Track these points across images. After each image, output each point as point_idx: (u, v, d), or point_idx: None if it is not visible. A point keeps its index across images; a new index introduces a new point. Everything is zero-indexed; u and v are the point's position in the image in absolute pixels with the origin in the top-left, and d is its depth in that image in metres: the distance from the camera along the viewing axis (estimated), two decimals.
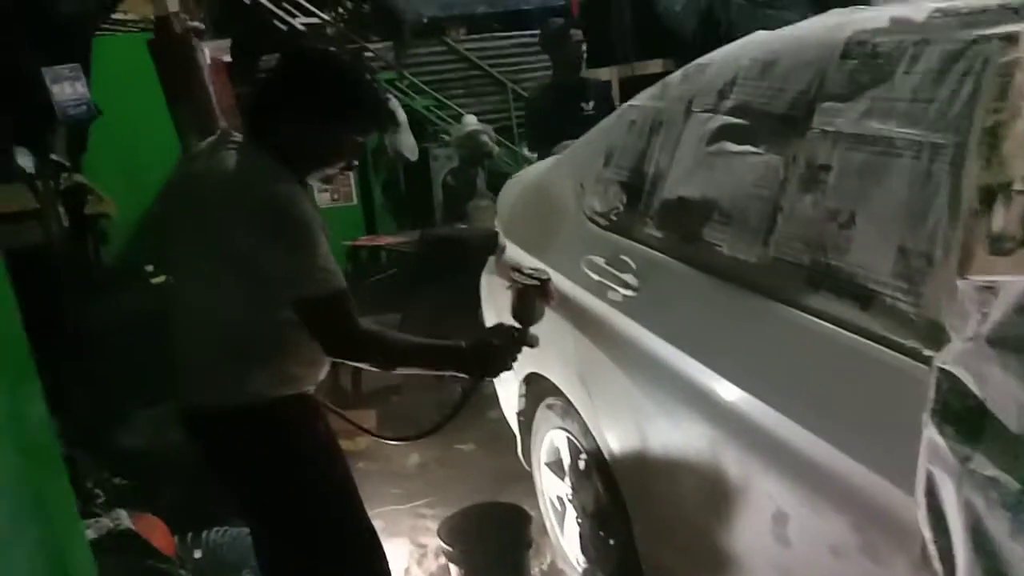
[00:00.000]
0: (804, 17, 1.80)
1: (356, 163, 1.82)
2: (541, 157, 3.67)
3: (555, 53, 4.24)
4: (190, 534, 2.71)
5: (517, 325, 1.86)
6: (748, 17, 5.82)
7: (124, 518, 2.53)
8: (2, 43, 3.27)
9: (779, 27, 1.82)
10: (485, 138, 5.01)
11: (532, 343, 1.86)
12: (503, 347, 1.82)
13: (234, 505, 2.07)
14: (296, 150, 1.70)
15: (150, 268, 3.78)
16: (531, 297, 1.87)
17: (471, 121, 5.23)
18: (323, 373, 1.84)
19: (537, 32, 5.43)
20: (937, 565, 1.10)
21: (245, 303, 1.67)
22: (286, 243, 1.61)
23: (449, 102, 6.71)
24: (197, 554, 2.68)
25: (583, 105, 3.95)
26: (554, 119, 3.79)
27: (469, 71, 7.07)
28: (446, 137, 5.30)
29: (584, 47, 4.14)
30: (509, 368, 1.85)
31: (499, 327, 1.88)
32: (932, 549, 1.10)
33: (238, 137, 1.72)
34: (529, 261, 2.41)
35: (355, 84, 1.75)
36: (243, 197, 1.62)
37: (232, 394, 1.71)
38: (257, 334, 1.70)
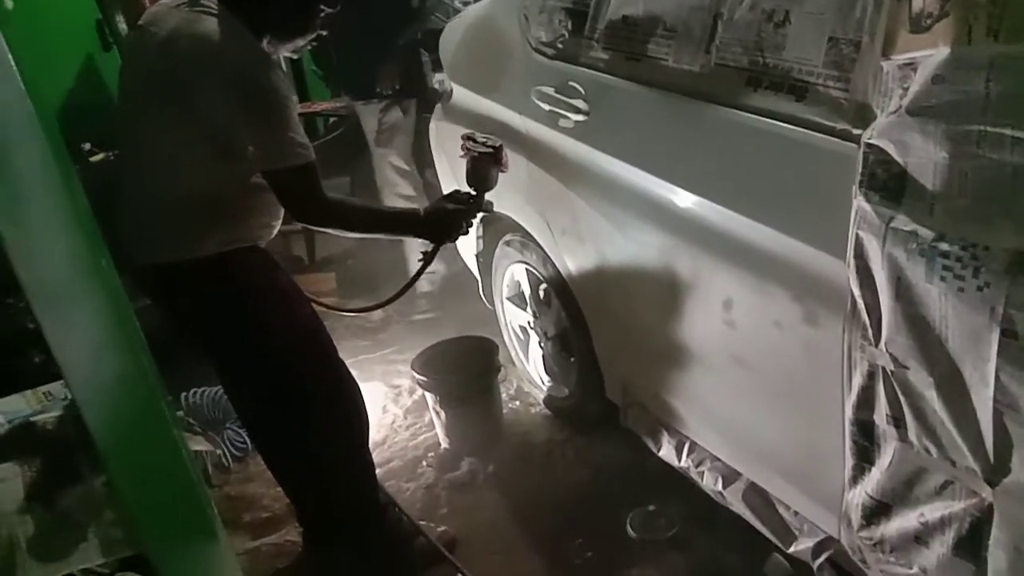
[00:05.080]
0: None
1: (325, 33, 1.81)
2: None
3: None
4: (169, 397, 2.80)
5: (472, 192, 1.94)
6: None
7: None
8: None
9: None
10: None
11: (487, 208, 1.95)
12: (458, 213, 1.90)
13: (206, 360, 2.13)
14: (268, 19, 1.71)
15: (87, 147, 3.67)
16: (485, 165, 1.93)
17: None
18: (275, 231, 1.90)
19: None
20: (865, 317, 1.27)
21: (212, 168, 1.70)
22: (260, 115, 1.64)
23: None
24: (179, 415, 2.79)
25: None
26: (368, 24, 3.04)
27: None
28: None
29: None
30: (465, 233, 1.93)
31: (455, 193, 1.95)
32: (861, 304, 1.27)
33: (211, 1, 1.68)
34: (477, 102, 2.46)
35: None
36: (218, 65, 1.62)
37: (190, 251, 1.75)
38: (222, 197, 1.74)
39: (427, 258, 1.98)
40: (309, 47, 1.84)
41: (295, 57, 1.87)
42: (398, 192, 3.35)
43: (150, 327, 1.89)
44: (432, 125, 2.80)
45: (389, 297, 2.13)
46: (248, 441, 2.65)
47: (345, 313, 2.53)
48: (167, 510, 1.13)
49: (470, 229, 1.94)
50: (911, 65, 1.18)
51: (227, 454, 2.64)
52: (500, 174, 1.96)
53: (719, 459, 1.90)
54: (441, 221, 1.90)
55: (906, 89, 1.18)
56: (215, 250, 1.76)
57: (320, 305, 2.29)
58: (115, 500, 1.60)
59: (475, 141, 1.96)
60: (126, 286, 2.03)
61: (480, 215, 1.98)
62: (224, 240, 1.77)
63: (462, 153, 1.97)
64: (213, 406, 2.79)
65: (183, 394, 2.80)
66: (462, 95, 2.56)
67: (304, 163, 1.68)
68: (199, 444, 2.55)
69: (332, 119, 5.00)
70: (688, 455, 1.97)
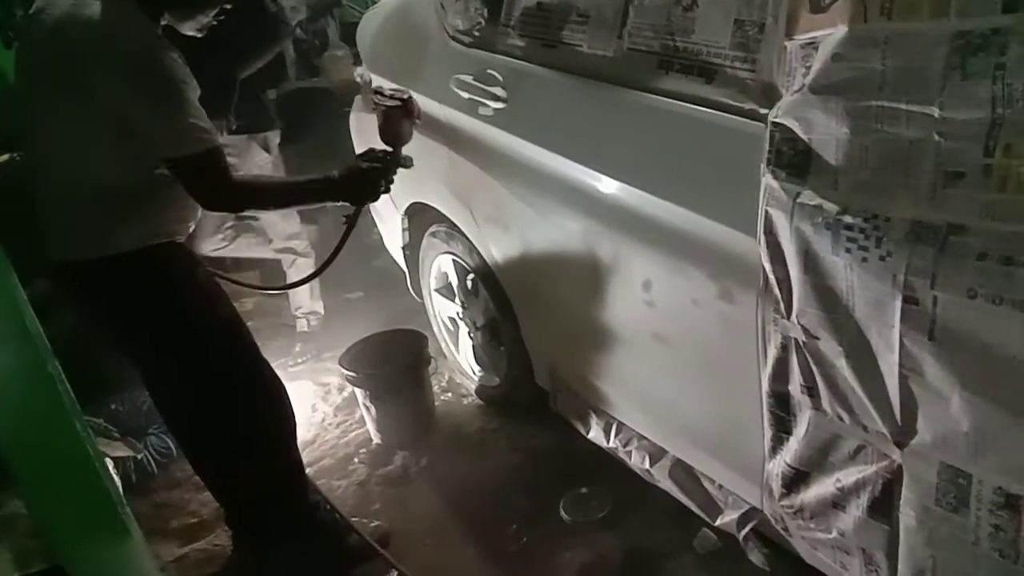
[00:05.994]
0: None
1: (228, 6, 1.75)
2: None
3: None
4: (88, 407, 2.70)
5: (387, 148, 1.90)
6: None
7: None
8: None
9: None
10: None
11: (406, 163, 1.91)
12: (375, 170, 1.86)
13: (127, 364, 2.07)
14: None
15: None
16: (396, 117, 1.90)
17: None
18: (193, 224, 1.85)
19: None
20: (777, 291, 1.31)
21: (118, 159, 1.64)
22: (155, 100, 1.58)
23: None
24: (99, 422, 2.69)
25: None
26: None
27: None
28: None
29: None
30: (386, 191, 1.89)
31: (369, 151, 1.91)
32: (772, 279, 1.31)
33: None
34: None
35: None
36: (109, 51, 1.55)
37: (106, 247, 1.69)
38: (132, 189, 1.68)
39: (350, 222, 1.95)
40: (214, 22, 1.77)
41: (200, 35, 1.79)
42: (288, 234, 3.16)
43: (66, 332, 1.83)
44: (352, 117, 2.77)
45: (317, 268, 2.11)
46: (172, 446, 2.58)
47: (265, 291, 2.49)
48: (74, 503, 1.08)
49: (390, 187, 1.90)
50: (812, 44, 1.22)
51: (150, 459, 2.56)
52: (418, 134, 1.94)
53: (645, 438, 1.93)
54: (359, 181, 1.86)
55: (808, 68, 1.22)
56: (133, 246, 1.71)
57: (243, 285, 2.25)
58: (30, 511, 1.53)
59: (383, 95, 1.93)
60: (44, 290, 1.95)
61: (402, 180, 1.92)
62: (140, 235, 1.72)
63: (372, 107, 1.93)
64: (135, 413, 2.70)
65: (103, 401, 2.70)
66: (380, 84, 2.53)
67: (206, 149, 1.62)
68: (119, 450, 2.47)
69: None
70: (616, 436, 2.00)
